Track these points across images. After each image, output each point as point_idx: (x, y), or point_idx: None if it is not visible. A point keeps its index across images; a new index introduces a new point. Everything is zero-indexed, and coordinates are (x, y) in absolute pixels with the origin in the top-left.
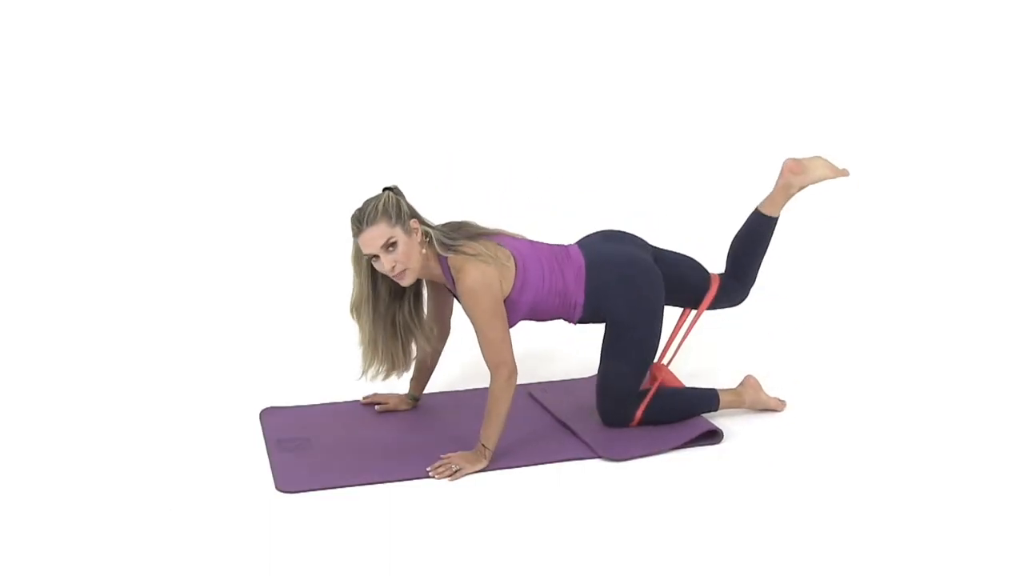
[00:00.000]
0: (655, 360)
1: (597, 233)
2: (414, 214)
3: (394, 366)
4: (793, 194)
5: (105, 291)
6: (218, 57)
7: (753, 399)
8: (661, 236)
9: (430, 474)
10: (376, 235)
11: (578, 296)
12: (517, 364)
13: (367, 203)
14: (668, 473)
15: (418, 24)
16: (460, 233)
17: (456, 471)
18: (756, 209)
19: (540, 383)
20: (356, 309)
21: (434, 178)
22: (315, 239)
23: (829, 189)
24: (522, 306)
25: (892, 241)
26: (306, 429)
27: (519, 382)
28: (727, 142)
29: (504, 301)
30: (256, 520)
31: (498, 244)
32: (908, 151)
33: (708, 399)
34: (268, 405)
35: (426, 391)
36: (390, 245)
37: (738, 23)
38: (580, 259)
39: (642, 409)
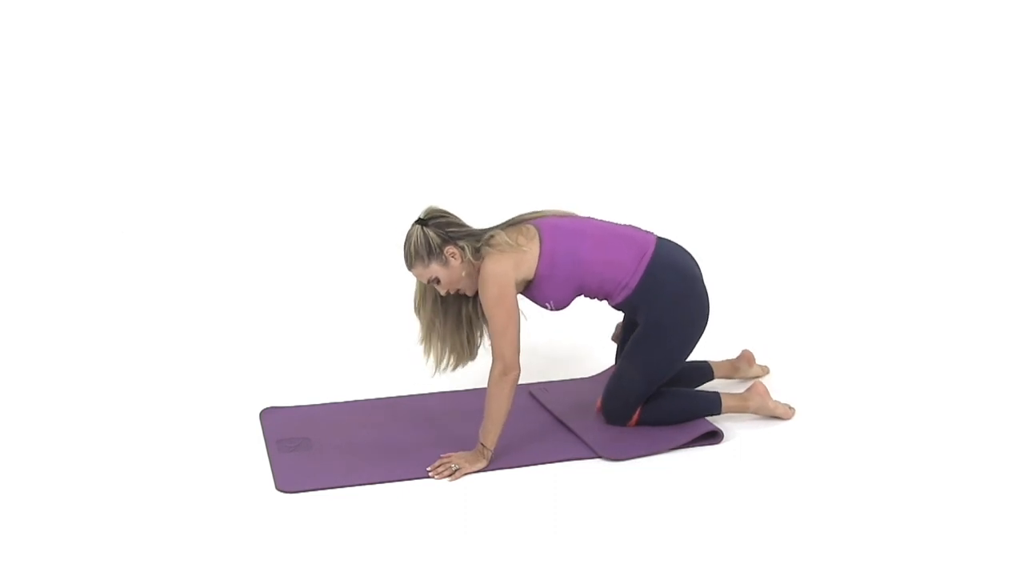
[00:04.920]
0: None
1: (681, 246)
2: (447, 240)
3: (460, 356)
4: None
5: (107, 291)
6: (220, 59)
7: (759, 405)
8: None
9: (430, 474)
10: (418, 275)
11: (631, 279)
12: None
13: (404, 244)
14: (668, 473)
15: (419, 26)
16: (501, 226)
17: (455, 471)
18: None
19: (540, 383)
20: (418, 309)
21: (428, 178)
22: (315, 239)
23: (831, 193)
24: (560, 277)
25: (900, 245)
26: (306, 429)
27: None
28: (724, 145)
29: (536, 280)
30: (256, 520)
31: (533, 227)
32: (910, 153)
33: (710, 402)
34: (268, 405)
35: (425, 391)
36: (432, 280)
37: (736, 24)
38: (650, 248)
39: (639, 410)
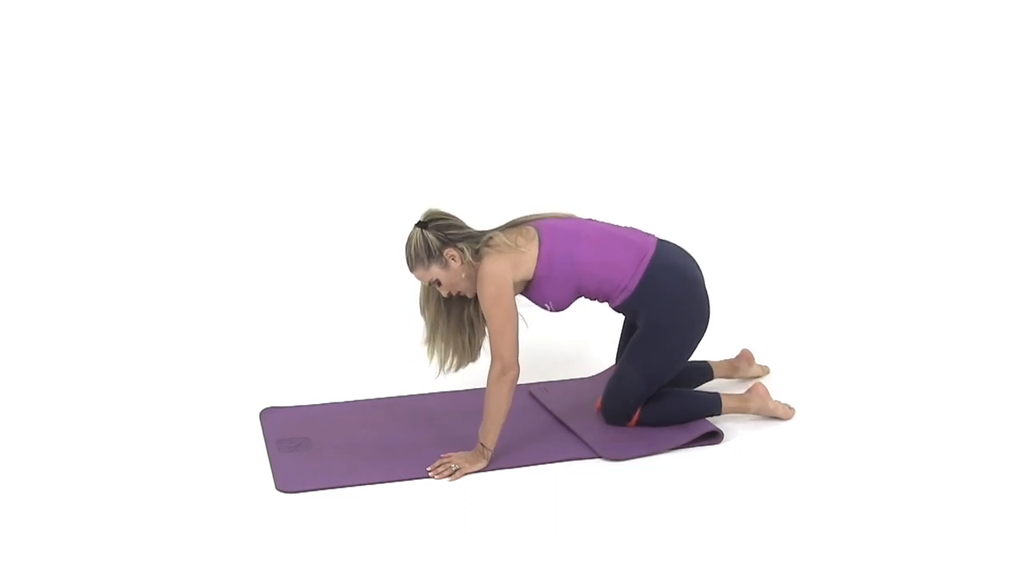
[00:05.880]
0: None
1: (682, 248)
2: (447, 242)
3: (463, 357)
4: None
5: (106, 291)
6: (220, 59)
7: (759, 407)
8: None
9: (430, 474)
10: (419, 277)
11: (631, 281)
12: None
13: (405, 247)
14: (668, 473)
15: (419, 27)
16: (501, 227)
17: (455, 471)
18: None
19: (540, 383)
20: (422, 309)
21: (429, 178)
22: (315, 239)
23: (829, 193)
24: (559, 278)
25: (899, 245)
26: (306, 429)
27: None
28: (724, 145)
29: (534, 281)
30: (256, 520)
31: (533, 228)
32: (908, 153)
33: (710, 403)
34: (268, 405)
35: (425, 391)
36: (434, 282)
37: (735, 25)
38: (650, 250)
39: (640, 410)
